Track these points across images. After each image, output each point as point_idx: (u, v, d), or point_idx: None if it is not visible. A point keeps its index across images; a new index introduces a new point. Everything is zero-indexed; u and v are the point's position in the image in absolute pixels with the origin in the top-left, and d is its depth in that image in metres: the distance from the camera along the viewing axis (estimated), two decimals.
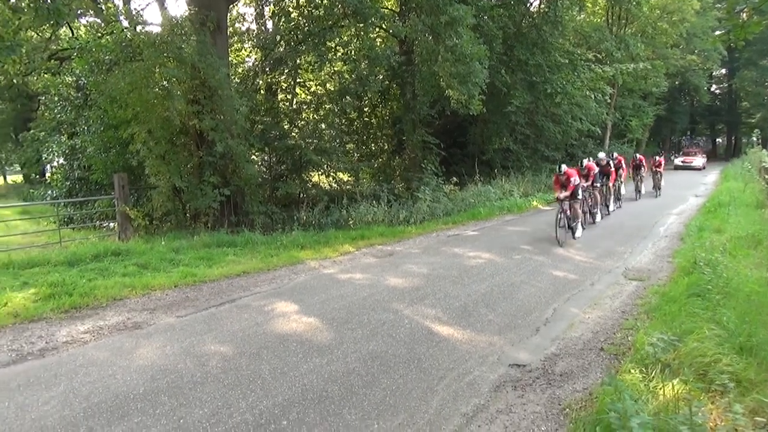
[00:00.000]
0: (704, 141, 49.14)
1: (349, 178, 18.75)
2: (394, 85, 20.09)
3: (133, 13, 14.02)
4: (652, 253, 9.70)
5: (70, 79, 15.20)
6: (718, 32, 34.92)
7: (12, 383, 4.38)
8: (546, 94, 20.79)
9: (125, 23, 13.71)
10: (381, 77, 19.26)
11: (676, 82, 40.97)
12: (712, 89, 53.79)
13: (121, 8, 14.93)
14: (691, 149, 42.19)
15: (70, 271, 7.93)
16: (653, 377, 3.93)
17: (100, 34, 14.01)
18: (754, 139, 42.38)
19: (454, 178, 17.85)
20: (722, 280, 6.06)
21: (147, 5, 28.05)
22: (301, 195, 16.08)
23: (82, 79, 14.35)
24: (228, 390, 4.20)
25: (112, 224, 12.79)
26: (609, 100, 26.20)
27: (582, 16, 28.07)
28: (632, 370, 4.13)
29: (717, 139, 62.74)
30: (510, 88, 19.62)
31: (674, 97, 45.07)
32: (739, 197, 15.60)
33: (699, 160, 36.96)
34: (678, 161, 37.12)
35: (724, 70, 52.14)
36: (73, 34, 17.01)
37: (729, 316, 4.91)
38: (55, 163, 17.26)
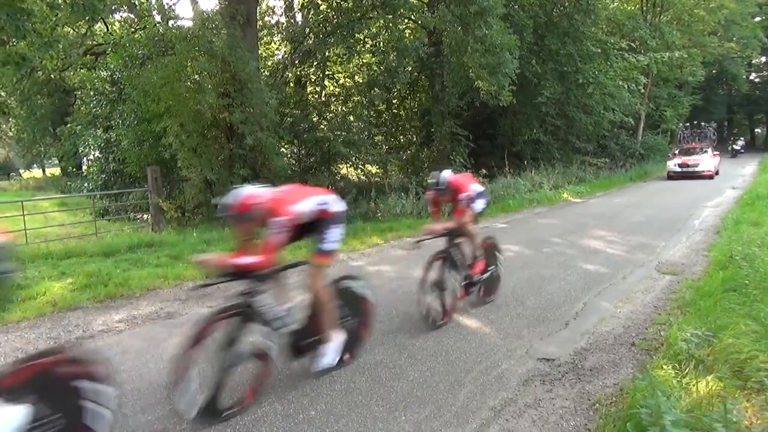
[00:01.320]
0: (714, 131, 30.05)
1: (378, 171, 18.77)
2: (423, 77, 20.00)
3: (166, 7, 14.23)
4: (687, 246, 9.48)
5: (105, 73, 15.57)
6: (758, 18, 33.86)
7: None
8: (577, 85, 20.45)
9: (158, 18, 13.95)
10: (410, 69, 19.19)
11: (713, 71, 39.76)
12: (751, 78, 52.07)
13: (153, 3, 15.18)
14: (695, 144, 27.18)
15: (105, 262, 8.16)
16: (687, 373, 3.84)
17: (133, 29, 14.31)
18: None
19: (483, 170, 17.70)
20: (759, 275, 5.89)
21: (178, 0, 28.43)
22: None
23: (117, 73, 14.69)
24: None
25: (145, 216, 13.09)
26: (643, 90, 25.57)
27: (615, 3, 27.45)
28: (665, 366, 4.04)
29: (756, 129, 60.96)
30: (540, 78, 19.36)
31: (711, 87, 43.67)
32: None
33: (707, 162, 23.63)
34: (672, 165, 24.22)
35: (763, 58, 50.36)
36: (107, 29, 17.38)
37: (766, 311, 4.78)
38: (91, 156, 17.73)
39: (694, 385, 3.63)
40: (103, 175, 15.94)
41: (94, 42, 16.85)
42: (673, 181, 22.94)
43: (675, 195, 17.29)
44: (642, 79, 23.50)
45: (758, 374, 3.71)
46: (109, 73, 15.39)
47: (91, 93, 16.09)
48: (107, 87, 15.48)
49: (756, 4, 32.95)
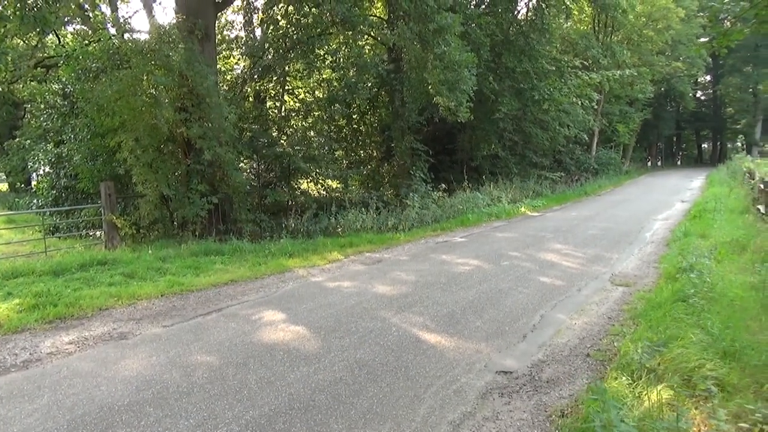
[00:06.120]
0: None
1: (338, 186, 18.72)
2: (383, 93, 20.14)
3: (121, 20, 13.96)
4: (639, 258, 9.77)
5: (57, 86, 15.09)
6: (702, 39, 35.40)
7: None
8: (533, 101, 20.95)
9: (113, 31, 13.65)
10: (369, 85, 19.32)
11: (662, 89, 41.36)
12: (698, 95, 54.51)
13: (108, 16, 14.88)
14: None
15: (55, 281, 7.86)
16: (639, 383, 3.96)
17: (87, 42, 13.94)
18: (739, 144, 42.82)
19: (443, 185, 17.87)
20: (707, 286, 6.13)
21: (135, 13, 28.05)
22: (290, 202, 16.03)
23: (69, 86, 14.24)
24: (214, 400, 4.17)
25: (98, 233, 12.69)
26: (596, 107, 26.45)
27: (569, 23, 28.34)
28: (618, 376, 4.16)
29: (703, 145, 63.61)
30: (498, 95, 19.75)
31: (660, 103, 45.48)
32: (725, 202, 15.75)
33: None
34: None
35: (708, 77, 52.97)
36: (59, 41, 16.94)
37: (713, 321, 4.96)
38: (41, 172, 17.10)
39: (645, 394, 3.74)
40: (54, 191, 15.36)
41: (46, 54, 16.40)
42: (624, 195, 23.74)
43: (627, 208, 17.81)
44: (595, 96, 24.27)
45: (706, 382, 3.84)
46: (61, 86, 14.90)
47: (42, 106, 15.53)
48: (59, 100, 14.98)
49: (700, 26, 34.51)
